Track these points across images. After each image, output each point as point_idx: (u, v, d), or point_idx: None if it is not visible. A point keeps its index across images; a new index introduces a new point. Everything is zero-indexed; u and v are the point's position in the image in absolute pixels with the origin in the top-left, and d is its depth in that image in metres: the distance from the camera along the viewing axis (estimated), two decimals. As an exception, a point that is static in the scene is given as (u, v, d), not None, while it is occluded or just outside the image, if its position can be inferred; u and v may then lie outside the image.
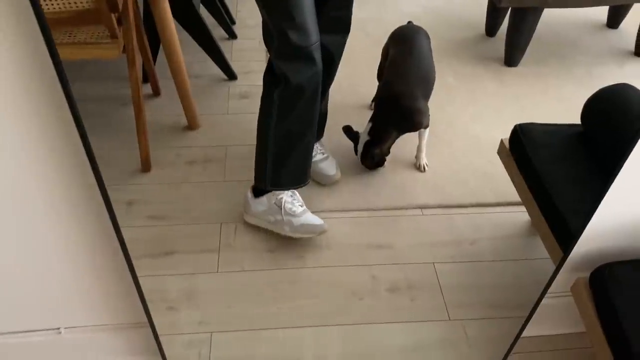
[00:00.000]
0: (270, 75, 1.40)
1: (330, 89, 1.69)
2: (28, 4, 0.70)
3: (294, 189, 1.57)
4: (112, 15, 1.47)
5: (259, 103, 1.92)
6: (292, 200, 1.56)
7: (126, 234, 1.11)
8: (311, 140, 1.51)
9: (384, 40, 1.93)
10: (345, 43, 1.54)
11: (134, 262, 1.11)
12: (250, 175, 1.62)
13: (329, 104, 1.75)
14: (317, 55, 1.34)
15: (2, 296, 1.13)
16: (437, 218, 1.66)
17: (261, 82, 2.01)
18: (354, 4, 1.84)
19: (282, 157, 1.50)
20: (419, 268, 1.52)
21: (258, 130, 1.49)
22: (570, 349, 1.37)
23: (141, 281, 1.18)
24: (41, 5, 0.74)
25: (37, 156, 0.92)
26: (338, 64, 1.58)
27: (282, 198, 1.55)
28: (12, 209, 0.98)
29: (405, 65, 1.71)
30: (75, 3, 1.43)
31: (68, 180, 0.97)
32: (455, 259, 1.55)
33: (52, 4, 1.41)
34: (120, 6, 1.46)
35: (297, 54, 1.32)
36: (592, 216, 0.98)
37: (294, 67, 1.34)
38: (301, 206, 1.57)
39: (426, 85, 1.71)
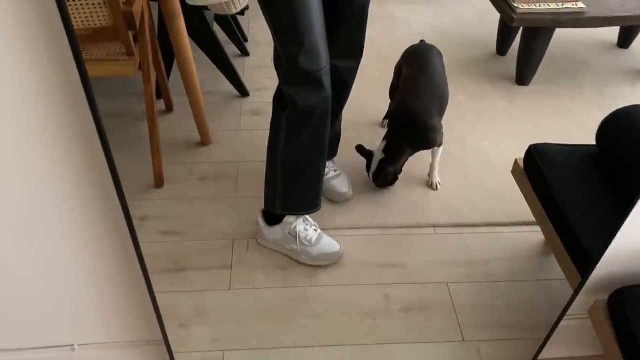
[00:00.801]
0: (279, 99, 1.40)
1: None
2: (61, 25, 0.70)
3: (305, 214, 1.56)
4: (130, 32, 1.49)
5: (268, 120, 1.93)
6: (305, 226, 1.55)
7: (139, 250, 1.11)
8: (321, 165, 1.50)
9: (394, 58, 1.94)
10: (358, 67, 1.55)
11: (147, 278, 1.11)
12: (262, 192, 1.62)
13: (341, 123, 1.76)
14: (327, 80, 1.33)
15: (16, 312, 1.13)
16: (450, 237, 1.65)
17: (271, 100, 2.02)
18: None
19: (292, 181, 1.49)
20: (433, 288, 1.51)
21: (268, 153, 1.49)
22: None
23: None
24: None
25: (56, 171, 0.92)
26: (351, 87, 1.59)
27: (295, 227, 1.54)
28: (29, 223, 0.99)
29: (420, 83, 1.72)
30: (94, 20, 1.45)
31: (86, 196, 0.97)
32: (469, 278, 1.54)
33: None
34: (138, 23, 1.47)
35: (306, 79, 1.31)
36: (612, 240, 0.97)
37: (302, 92, 1.34)
38: (315, 230, 1.56)
39: (440, 102, 1.71)
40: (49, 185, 0.93)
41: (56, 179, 0.93)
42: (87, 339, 1.19)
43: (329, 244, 1.56)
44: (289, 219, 1.54)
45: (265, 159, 1.76)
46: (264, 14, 1.29)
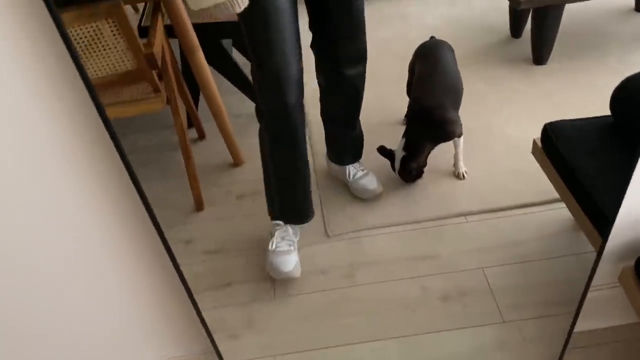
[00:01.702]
0: (256, 110, 1.50)
1: (362, 110, 1.75)
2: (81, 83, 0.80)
3: (288, 223, 1.64)
4: (153, 72, 1.60)
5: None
6: (280, 235, 1.62)
7: (187, 270, 1.20)
8: (298, 179, 1.58)
9: (409, 56, 1.99)
10: (365, 72, 1.61)
11: (197, 295, 1.21)
12: None
13: (362, 125, 1.82)
14: (290, 91, 1.38)
15: (77, 336, 1.24)
16: (481, 223, 1.69)
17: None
18: (377, 25, 1.87)
19: (276, 192, 1.60)
20: (469, 275, 1.55)
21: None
22: (630, 340, 1.37)
23: (205, 313, 1.27)
24: (88, 71, 0.85)
25: (101, 216, 1.03)
26: (362, 93, 1.66)
27: (275, 230, 1.64)
28: (84, 260, 1.10)
29: (432, 79, 1.77)
30: (119, 65, 1.57)
31: (130, 230, 1.07)
32: (504, 262, 1.57)
33: (99, 70, 1.56)
34: (159, 62, 1.58)
35: (270, 86, 1.39)
36: (623, 198, 1.00)
37: (268, 99, 1.42)
38: (289, 245, 1.61)
39: (455, 95, 1.76)
40: (95, 223, 1.04)
41: (103, 222, 1.03)
42: (145, 356, 1.29)
43: (284, 261, 1.59)
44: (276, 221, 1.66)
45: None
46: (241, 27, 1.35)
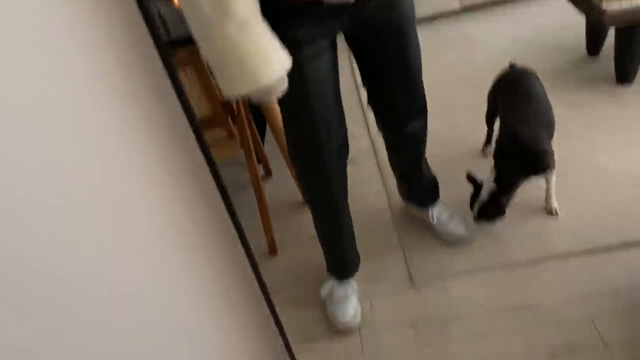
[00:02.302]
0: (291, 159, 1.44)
1: (436, 143, 1.64)
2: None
3: (336, 279, 1.59)
4: (228, 117, 1.54)
5: (364, 169, 1.93)
6: (336, 282, 1.59)
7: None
8: (339, 237, 1.54)
9: (479, 82, 1.88)
10: (426, 121, 1.51)
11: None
12: (367, 243, 1.66)
13: (437, 160, 1.73)
14: (329, 158, 1.33)
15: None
16: (584, 266, 1.54)
17: (363, 147, 2.02)
18: (440, 50, 1.72)
19: (321, 243, 1.58)
20: (577, 326, 1.41)
21: None
22: None
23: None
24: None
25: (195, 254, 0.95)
26: (425, 141, 1.57)
27: (330, 277, 1.61)
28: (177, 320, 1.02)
29: (524, 108, 1.65)
30: (196, 113, 1.51)
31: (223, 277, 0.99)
32: (616, 310, 1.42)
33: (174, 117, 1.50)
34: (235, 108, 1.52)
35: (309, 154, 1.34)
36: None
37: (306, 165, 1.38)
38: (346, 291, 1.57)
39: (548, 125, 1.64)
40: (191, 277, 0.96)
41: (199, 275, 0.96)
42: None
43: (342, 310, 1.54)
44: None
45: (365, 206, 1.77)
46: None
